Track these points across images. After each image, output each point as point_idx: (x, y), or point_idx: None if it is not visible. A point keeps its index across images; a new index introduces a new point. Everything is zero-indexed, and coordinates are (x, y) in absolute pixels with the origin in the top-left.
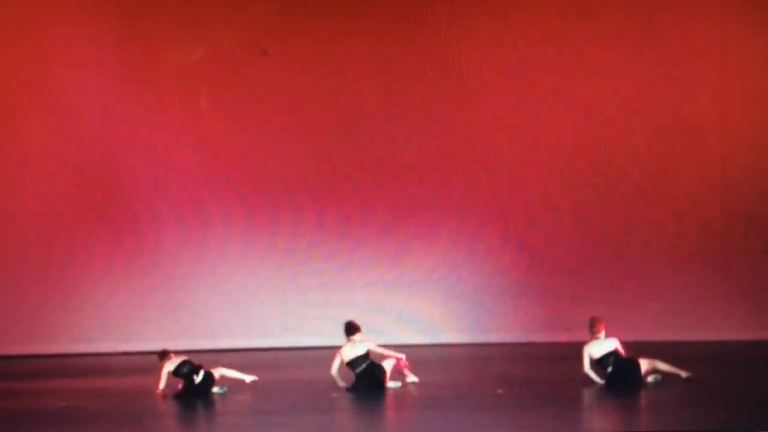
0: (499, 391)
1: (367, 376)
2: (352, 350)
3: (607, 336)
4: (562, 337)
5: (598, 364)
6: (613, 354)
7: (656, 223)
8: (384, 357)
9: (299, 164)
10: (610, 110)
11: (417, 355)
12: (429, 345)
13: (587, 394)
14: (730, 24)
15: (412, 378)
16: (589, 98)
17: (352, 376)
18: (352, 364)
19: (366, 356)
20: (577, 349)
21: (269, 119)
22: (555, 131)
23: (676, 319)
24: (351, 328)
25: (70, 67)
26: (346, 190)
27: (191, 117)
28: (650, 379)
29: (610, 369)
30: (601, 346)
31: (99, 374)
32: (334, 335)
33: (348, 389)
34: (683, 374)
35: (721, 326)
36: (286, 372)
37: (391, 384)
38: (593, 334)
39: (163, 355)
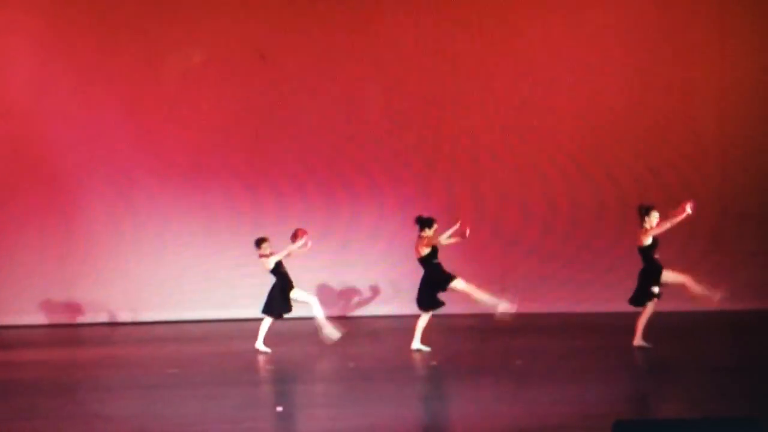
0: (434, 362)
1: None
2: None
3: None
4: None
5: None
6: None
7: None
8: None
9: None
10: (609, 108)
11: (362, 326)
12: (375, 317)
13: (522, 365)
14: (728, 24)
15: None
16: (589, 96)
17: None
18: (435, 253)
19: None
20: (518, 319)
21: (265, 116)
22: (553, 128)
23: None
24: (431, 221)
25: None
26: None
27: (190, 113)
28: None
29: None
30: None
31: (27, 346)
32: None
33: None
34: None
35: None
36: (219, 344)
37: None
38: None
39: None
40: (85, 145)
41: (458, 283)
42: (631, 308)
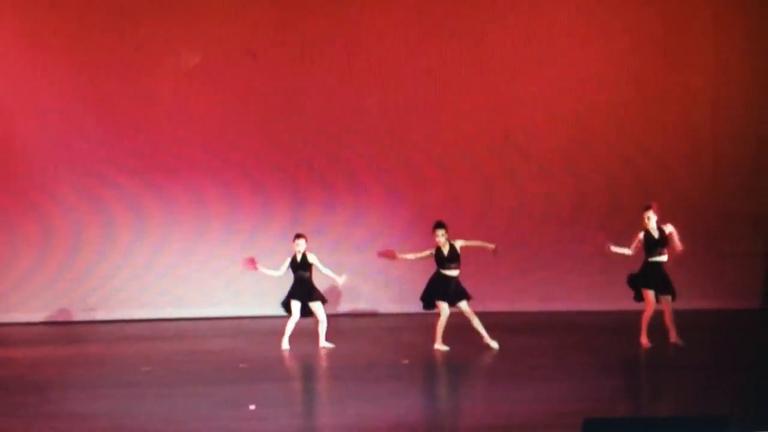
0: (405, 361)
1: (454, 281)
2: (445, 248)
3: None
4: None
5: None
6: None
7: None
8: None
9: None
10: (602, 112)
11: (332, 325)
12: (344, 314)
13: (493, 363)
14: (723, 30)
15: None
16: (582, 100)
17: None
18: (445, 261)
19: (459, 258)
20: (490, 318)
21: (259, 117)
22: (552, 129)
23: None
24: (441, 224)
25: None
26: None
27: (172, 113)
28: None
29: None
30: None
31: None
32: (241, 305)
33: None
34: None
35: None
36: (193, 342)
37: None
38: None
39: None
40: (63, 143)
41: (443, 308)
42: (602, 307)
